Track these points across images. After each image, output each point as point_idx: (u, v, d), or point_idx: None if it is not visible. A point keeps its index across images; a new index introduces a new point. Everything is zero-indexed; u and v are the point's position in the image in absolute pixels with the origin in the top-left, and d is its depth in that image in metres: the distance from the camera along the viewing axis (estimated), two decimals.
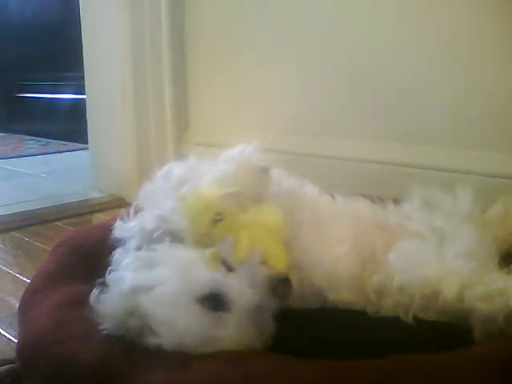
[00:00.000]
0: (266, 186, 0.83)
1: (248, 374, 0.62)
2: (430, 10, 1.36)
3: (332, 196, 0.96)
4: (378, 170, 1.47)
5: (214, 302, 0.67)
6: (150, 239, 0.78)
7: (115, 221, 0.86)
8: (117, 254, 0.79)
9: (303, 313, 0.78)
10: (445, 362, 0.63)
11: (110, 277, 0.74)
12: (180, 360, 0.65)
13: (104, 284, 0.72)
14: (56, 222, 1.79)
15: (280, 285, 0.70)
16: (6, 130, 3.96)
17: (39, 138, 3.67)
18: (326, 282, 0.81)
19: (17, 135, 3.85)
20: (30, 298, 0.87)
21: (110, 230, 0.86)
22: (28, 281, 1.16)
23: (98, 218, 1.80)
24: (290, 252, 0.81)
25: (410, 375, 0.62)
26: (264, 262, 0.71)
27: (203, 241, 0.72)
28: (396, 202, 1.00)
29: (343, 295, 0.81)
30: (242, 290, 0.67)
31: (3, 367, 0.81)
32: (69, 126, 3.36)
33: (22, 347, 0.76)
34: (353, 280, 0.82)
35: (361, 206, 0.96)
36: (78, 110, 2.44)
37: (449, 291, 0.74)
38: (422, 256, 0.82)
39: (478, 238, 0.85)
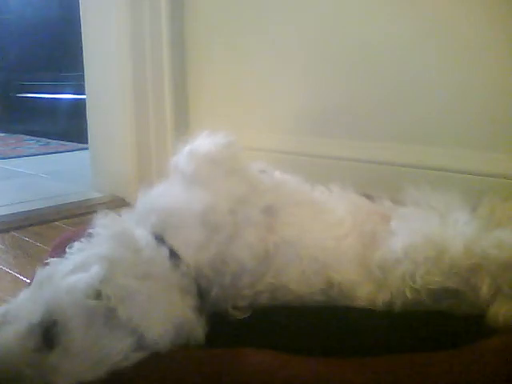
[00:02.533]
0: (237, 158, 0.84)
1: (246, 374, 0.62)
2: (430, 11, 1.36)
3: (328, 188, 0.96)
4: (378, 170, 1.47)
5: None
6: None
7: None
8: None
9: (303, 311, 0.78)
10: (444, 361, 0.63)
11: None
12: None
13: None
14: (56, 222, 1.79)
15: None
16: (6, 130, 3.96)
17: (39, 138, 3.67)
18: (331, 260, 0.81)
19: (17, 135, 3.85)
20: None
21: None
22: (28, 281, 1.16)
23: None
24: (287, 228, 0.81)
25: (409, 375, 0.62)
26: None
27: None
28: (393, 201, 1.00)
29: (348, 275, 0.80)
30: None
31: None
32: (69, 126, 3.36)
33: None
34: (357, 260, 0.82)
35: (357, 196, 0.96)
36: (78, 110, 2.44)
37: (455, 248, 0.74)
38: (423, 221, 0.82)
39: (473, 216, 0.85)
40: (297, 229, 0.82)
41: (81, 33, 2.06)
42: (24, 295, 0.69)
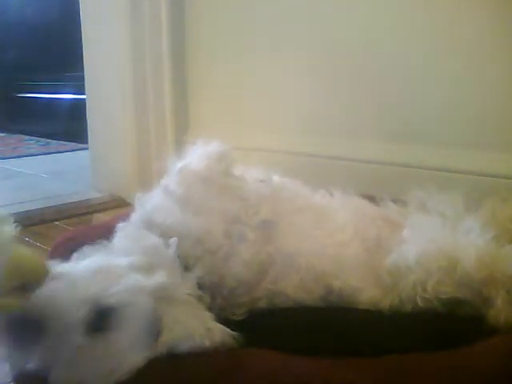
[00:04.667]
0: (229, 172, 0.84)
1: (246, 375, 0.62)
2: (430, 11, 1.36)
3: (330, 192, 0.96)
4: (378, 170, 1.47)
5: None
6: None
7: (115, 221, 0.86)
8: None
9: (303, 311, 0.78)
10: (445, 361, 0.63)
11: None
12: None
13: None
14: (56, 222, 1.79)
15: None
16: (6, 130, 3.96)
17: (39, 138, 3.67)
18: (331, 267, 0.80)
19: (17, 135, 3.85)
20: None
21: (110, 231, 0.86)
22: None
23: (98, 218, 1.80)
24: (285, 237, 0.81)
25: (410, 375, 0.62)
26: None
27: None
28: (395, 201, 1.00)
29: (349, 281, 0.80)
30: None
31: None
32: (69, 126, 3.36)
33: None
34: (360, 266, 0.81)
35: (359, 201, 0.95)
36: (78, 110, 2.44)
37: (468, 260, 0.73)
38: (435, 230, 0.81)
39: (482, 222, 0.84)
40: (294, 238, 0.81)
41: (81, 33, 2.06)
42: (81, 269, 0.69)
